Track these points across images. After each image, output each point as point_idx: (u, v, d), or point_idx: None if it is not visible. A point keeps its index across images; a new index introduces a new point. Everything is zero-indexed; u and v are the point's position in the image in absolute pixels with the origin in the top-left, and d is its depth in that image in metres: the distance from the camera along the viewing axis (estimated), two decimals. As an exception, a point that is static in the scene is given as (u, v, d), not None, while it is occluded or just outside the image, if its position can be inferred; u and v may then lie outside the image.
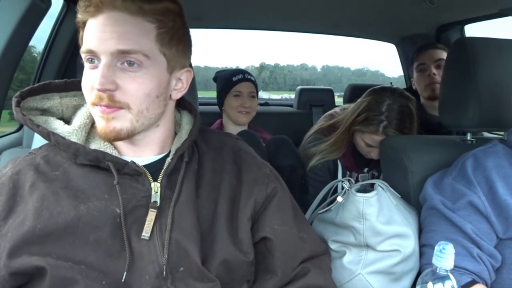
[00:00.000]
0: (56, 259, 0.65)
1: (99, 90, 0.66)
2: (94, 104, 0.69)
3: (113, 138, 0.70)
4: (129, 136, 0.71)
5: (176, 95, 0.77)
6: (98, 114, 0.70)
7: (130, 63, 0.67)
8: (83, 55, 0.69)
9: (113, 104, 0.68)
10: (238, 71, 1.80)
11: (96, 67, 0.68)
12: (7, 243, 0.65)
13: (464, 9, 1.77)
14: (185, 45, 0.76)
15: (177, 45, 0.73)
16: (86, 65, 0.70)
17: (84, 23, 0.69)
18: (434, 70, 1.75)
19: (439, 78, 1.72)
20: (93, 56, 0.68)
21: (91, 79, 0.68)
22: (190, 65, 0.82)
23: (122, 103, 0.68)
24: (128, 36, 0.66)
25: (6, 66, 1.20)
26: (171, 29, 0.71)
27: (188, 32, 0.78)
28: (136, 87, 0.68)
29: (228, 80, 1.78)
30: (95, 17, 0.67)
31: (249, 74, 1.80)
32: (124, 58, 0.67)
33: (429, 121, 1.65)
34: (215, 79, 1.88)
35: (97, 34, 0.67)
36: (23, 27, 1.18)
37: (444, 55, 1.76)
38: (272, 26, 2.42)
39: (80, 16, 0.69)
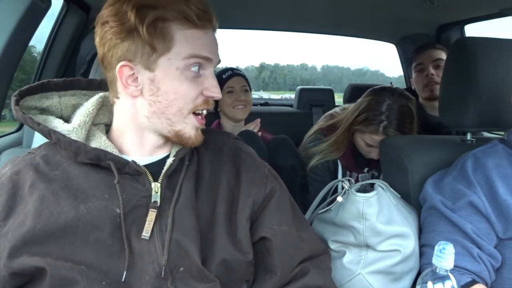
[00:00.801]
0: (56, 259, 0.65)
1: (214, 99, 0.75)
2: (196, 112, 0.74)
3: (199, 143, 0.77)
4: None
5: None
6: (196, 124, 0.75)
7: None
8: (187, 60, 0.71)
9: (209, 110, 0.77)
10: (227, 69, 1.81)
11: (199, 75, 0.73)
12: (7, 243, 0.65)
13: (464, 9, 1.77)
14: None
15: None
16: (187, 73, 0.72)
17: (177, 26, 0.70)
18: (432, 70, 1.75)
19: (438, 78, 1.72)
20: (202, 62, 0.72)
21: (198, 87, 0.73)
22: None
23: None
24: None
25: (6, 66, 1.20)
26: None
27: None
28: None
29: (219, 79, 1.78)
30: (204, 30, 0.72)
31: (237, 69, 1.81)
32: None
33: (428, 121, 1.65)
34: None
35: (212, 46, 0.74)
36: (23, 27, 1.18)
37: (443, 55, 1.76)
38: (272, 26, 2.42)
39: (183, 21, 0.70)
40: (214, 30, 0.76)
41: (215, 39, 0.75)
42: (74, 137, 0.72)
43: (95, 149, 0.71)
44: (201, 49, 0.71)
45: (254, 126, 1.79)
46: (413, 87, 1.87)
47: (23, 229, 0.66)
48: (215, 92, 0.73)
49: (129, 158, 0.74)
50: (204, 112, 0.76)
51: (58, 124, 0.75)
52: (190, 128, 0.74)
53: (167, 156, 0.77)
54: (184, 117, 0.73)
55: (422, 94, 1.80)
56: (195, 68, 0.72)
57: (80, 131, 0.74)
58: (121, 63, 0.70)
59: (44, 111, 0.78)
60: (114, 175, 0.70)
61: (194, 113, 0.74)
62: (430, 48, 1.80)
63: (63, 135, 0.71)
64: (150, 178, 0.72)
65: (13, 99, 0.73)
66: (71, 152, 0.71)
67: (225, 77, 1.77)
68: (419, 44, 1.96)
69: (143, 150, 0.76)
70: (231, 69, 1.81)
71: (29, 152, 0.77)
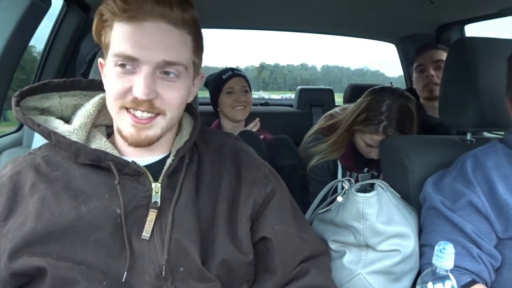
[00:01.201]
0: (56, 259, 0.65)
1: (142, 100, 0.67)
2: (125, 109, 0.69)
3: (146, 144, 0.72)
4: (156, 141, 0.73)
5: (190, 99, 0.79)
6: (129, 121, 0.70)
7: (168, 73, 0.69)
8: (114, 58, 0.68)
9: (152, 110, 0.69)
10: (227, 69, 1.80)
11: (130, 72, 0.68)
12: (8, 244, 0.65)
13: (464, 9, 1.77)
14: (202, 53, 0.78)
15: (200, 53, 0.76)
16: (115, 69, 0.69)
17: (111, 23, 0.68)
18: (432, 72, 1.74)
19: (438, 79, 1.72)
20: (131, 62, 0.67)
21: (125, 83, 0.68)
22: None
23: (160, 109, 0.70)
24: (174, 48, 0.68)
25: (6, 66, 1.20)
26: (199, 38, 0.74)
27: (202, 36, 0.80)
28: (174, 96, 0.70)
29: (219, 79, 1.79)
30: (137, 24, 0.66)
31: (238, 70, 1.81)
32: (165, 68, 0.68)
33: (428, 122, 1.64)
34: (206, 84, 1.88)
35: (141, 42, 0.66)
36: (23, 27, 1.18)
37: (444, 55, 1.75)
38: (272, 26, 2.42)
39: (110, 16, 0.67)
40: (162, 20, 0.67)
41: (151, 33, 0.66)
42: (74, 138, 0.73)
43: (95, 150, 0.71)
44: (126, 47, 0.66)
45: (254, 126, 1.79)
46: (414, 87, 1.87)
47: (24, 230, 0.66)
48: (138, 93, 0.66)
49: (129, 159, 0.74)
50: (138, 113, 0.68)
51: (58, 125, 0.75)
52: (126, 125, 0.71)
53: (168, 156, 0.77)
54: (117, 114, 0.71)
55: (422, 95, 1.80)
56: (122, 65, 0.68)
57: (81, 132, 0.74)
58: (99, 60, 0.74)
59: (44, 111, 0.78)
60: (115, 176, 0.70)
61: (129, 111, 0.69)
62: (431, 48, 1.80)
63: (63, 137, 0.72)
64: (151, 178, 0.72)
65: (13, 99, 0.73)
66: (71, 153, 0.71)
67: (225, 77, 1.77)
68: (420, 44, 1.96)
69: (140, 150, 0.76)
70: (231, 69, 1.80)
71: (29, 153, 0.77)
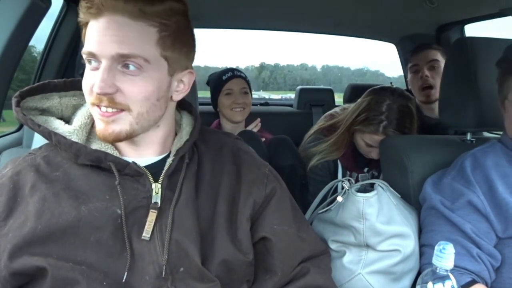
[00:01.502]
0: (57, 259, 0.65)
1: (98, 94, 0.66)
2: (94, 105, 0.69)
3: (112, 140, 0.71)
4: (127, 138, 0.71)
5: (177, 96, 0.77)
6: (97, 116, 0.70)
7: (128, 66, 0.67)
8: (84, 56, 0.69)
9: (114, 106, 0.68)
10: (228, 70, 1.80)
11: (96, 68, 0.68)
12: (8, 244, 0.65)
13: (464, 9, 1.77)
14: (189, 47, 0.75)
15: (180, 48, 0.72)
16: (87, 66, 0.70)
17: (86, 23, 0.69)
18: (427, 72, 1.73)
19: (432, 80, 1.72)
20: (94, 58, 0.68)
21: (91, 80, 0.68)
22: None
23: (123, 105, 0.68)
24: (129, 41, 0.66)
25: (6, 66, 1.20)
26: (175, 32, 0.71)
27: (193, 32, 0.77)
28: (137, 91, 0.68)
29: (219, 80, 1.79)
30: (96, 19, 0.67)
31: (238, 71, 1.80)
32: (124, 62, 0.67)
33: (425, 123, 1.64)
34: (208, 82, 1.89)
35: (98, 37, 0.66)
36: (23, 27, 1.17)
37: (438, 55, 1.75)
38: (272, 26, 2.42)
39: (82, 16, 0.69)
40: (117, 13, 0.66)
41: (106, 28, 0.66)
42: (75, 138, 0.72)
43: (96, 150, 0.71)
44: (87, 43, 0.68)
45: (254, 126, 1.79)
46: (409, 87, 1.87)
47: (24, 230, 0.66)
48: (95, 87, 0.66)
49: (129, 159, 0.74)
50: (103, 109, 0.68)
51: (58, 126, 0.75)
52: (96, 120, 0.70)
53: (168, 156, 0.77)
54: (91, 110, 0.71)
55: (417, 96, 1.78)
56: (89, 62, 0.69)
57: (81, 132, 0.74)
58: None
59: (44, 112, 0.78)
60: (115, 176, 0.70)
61: (98, 107, 0.69)
62: (425, 49, 1.79)
63: (64, 137, 0.71)
64: (151, 179, 0.72)
65: (14, 100, 0.73)
66: (71, 154, 0.71)
67: (225, 78, 1.77)
68: (418, 44, 1.95)
69: (141, 150, 0.76)
70: (232, 70, 1.80)
71: (29, 153, 0.77)
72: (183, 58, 0.74)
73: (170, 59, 0.71)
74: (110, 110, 0.68)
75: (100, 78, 0.66)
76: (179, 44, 0.72)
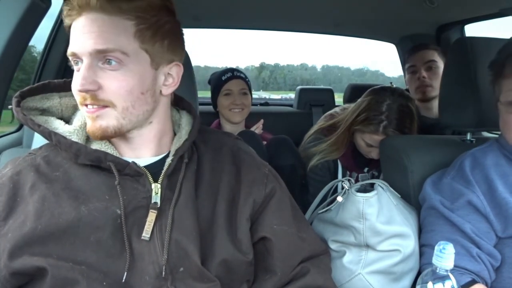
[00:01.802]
0: (57, 259, 0.65)
1: (80, 91, 0.67)
2: (82, 104, 0.70)
3: (100, 136, 0.71)
4: (116, 133, 0.71)
5: (167, 90, 0.76)
6: (85, 114, 0.71)
7: (109, 62, 0.68)
8: (70, 58, 0.70)
9: (97, 103, 0.68)
10: (227, 70, 1.80)
11: (80, 68, 0.69)
12: (8, 243, 0.66)
13: (464, 9, 1.77)
14: (172, 40, 0.74)
15: (161, 40, 0.72)
16: (74, 68, 0.71)
17: (70, 27, 0.70)
18: (424, 73, 1.73)
19: (429, 80, 1.72)
20: (77, 58, 0.69)
21: (76, 80, 0.69)
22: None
23: (106, 101, 0.68)
24: (104, 36, 0.67)
25: (6, 66, 1.20)
26: (154, 24, 0.71)
27: (177, 25, 0.76)
28: (118, 85, 0.68)
29: (218, 80, 1.79)
30: (76, 21, 0.68)
31: (239, 71, 1.80)
32: (104, 58, 0.67)
33: (423, 123, 1.64)
34: (209, 81, 1.89)
35: (77, 36, 0.68)
36: (23, 27, 1.18)
37: (435, 56, 1.75)
38: (272, 26, 2.41)
39: (66, 21, 0.70)
40: (93, 12, 0.67)
41: (83, 26, 0.67)
42: (75, 138, 0.73)
43: (96, 150, 0.71)
44: (70, 45, 0.69)
45: (256, 128, 1.79)
46: (406, 87, 1.87)
47: (24, 230, 0.66)
48: (77, 85, 0.68)
49: (129, 159, 0.74)
50: (90, 107, 0.69)
51: (59, 126, 0.75)
52: (86, 118, 0.72)
53: (167, 156, 0.77)
54: (81, 110, 0.72)
55: (415, 96, 1.77)
56: (75, 63, 0.70)
57: (81, 132, 0.74)
58: None
59: (45, 112, 0.78)
60: (115, 176, 0.70)
61: (86, 105, 0.70)
62: (422, 49, 1.78)
63: (64, 137, 0.72)
64: (151, 179, 0.72)
65: (14, 100, 0.73)
66: (71, 154, 0.71)
67: (224, 79, 1.77)
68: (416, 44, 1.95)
69: (137, 149, 0.76)
70: (232, 70, 1.79)
71: (30, 153, 0.77)
72: (167, 51, 0.74)
73: (152, 52, 0.71)
74: (95, 107, 0.69)
75: (81, 76, 0.67)
76: (160, 37, 0.72)
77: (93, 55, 0.67)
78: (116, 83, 0.68)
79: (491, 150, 0.99)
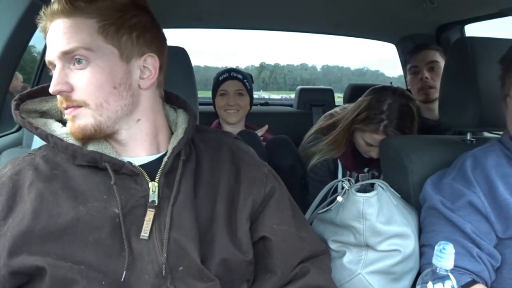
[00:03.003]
0: (55, 259, 0.65)
1: (54, 93, 0.70)
2: (61, 108, 0.72)
3: (81, 136, 0.72)
4: (97, 131, 0.72)
5: (146, 83, 0.75)
6: (65, 116, 0.73)
7: (79, 61, 0.69)
8: (49, 67, 0.73)
9: (72, 104, 0.70)
10: (225, 70, 1.80)
11: None
12: (7, 242, 0.66)
13: (464, 9, 1.77)
14: (141, 32, 0.74)
15: (129, 33, 0.72)
16: None
17: None
18: (426, 74, 1.73)
19: (432, 81, 1.71)
20: (52, 66, 0.71)
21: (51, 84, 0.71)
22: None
23: (79, 101, 0.70)
24: (67, 37, 0.69)
25: (6, 66, 1.20)
26: (118, 19, 0.71)
27: (147, 19, 0.75)
28: (87, 82, 0.69)
29: (216, 80, 1.80)
30: (47, 31, 0.71)
31: (236, 72, 1.79)
32: (72, 58, 0.69)
33: (423, 124, 1.64)
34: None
35: (48, 44, 0.71)
36: (23, 27, 1.17)
37: (437, 56, 1.75)
38: (272, 26, 2.42)
39: (43, 35, 0.73)
40: (56, 18, 0.70)
41: (50, 34, 0.70)
42: (71, 140, 0.73)
43: (91, 151, 0.72)
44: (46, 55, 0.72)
45: (259, 132, 1.79)
46: (408, 87, 1.87)
47: (21, 228, 0.66)
48: (50, 89, 0.70)
49: (126, 159, 0.74)
50: (68, 110, 0.71)
51: (56, 128, 0.76)
52: (68, 121, 0.73)
53: (165, 155, 0.77)
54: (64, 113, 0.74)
55: (417, 97, 1.77)
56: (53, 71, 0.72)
57: None
58: None
59: (44, 114, 0.79)
60: (111, 176, 0.70)
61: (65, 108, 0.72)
62: (424, 49, 1.78)
63: (60, 139, 0.72)
64: (147, 177, 0.72)
65: (13, 103, 0.74)
66: (68, 155, 0.72)
67: (221, 79, 1.77)
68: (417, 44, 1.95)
69: (131, 149, 0.76)
70: (229, 71, 1.79)
71: (29, 153, 0.77)
72: (136, 44, 0.73)
73: (119, 46, 0.71)
74: (70, 108, 0.71)
75: (53, 79, 0.69)
76: (127, 30, 0.72)
77: (62, 58, 0.69)
78: (85, 81, 0.69)
79: (492, 150, 0.98)
